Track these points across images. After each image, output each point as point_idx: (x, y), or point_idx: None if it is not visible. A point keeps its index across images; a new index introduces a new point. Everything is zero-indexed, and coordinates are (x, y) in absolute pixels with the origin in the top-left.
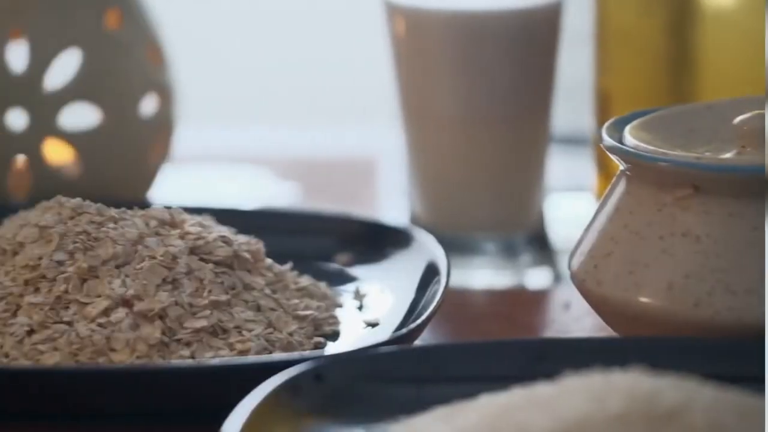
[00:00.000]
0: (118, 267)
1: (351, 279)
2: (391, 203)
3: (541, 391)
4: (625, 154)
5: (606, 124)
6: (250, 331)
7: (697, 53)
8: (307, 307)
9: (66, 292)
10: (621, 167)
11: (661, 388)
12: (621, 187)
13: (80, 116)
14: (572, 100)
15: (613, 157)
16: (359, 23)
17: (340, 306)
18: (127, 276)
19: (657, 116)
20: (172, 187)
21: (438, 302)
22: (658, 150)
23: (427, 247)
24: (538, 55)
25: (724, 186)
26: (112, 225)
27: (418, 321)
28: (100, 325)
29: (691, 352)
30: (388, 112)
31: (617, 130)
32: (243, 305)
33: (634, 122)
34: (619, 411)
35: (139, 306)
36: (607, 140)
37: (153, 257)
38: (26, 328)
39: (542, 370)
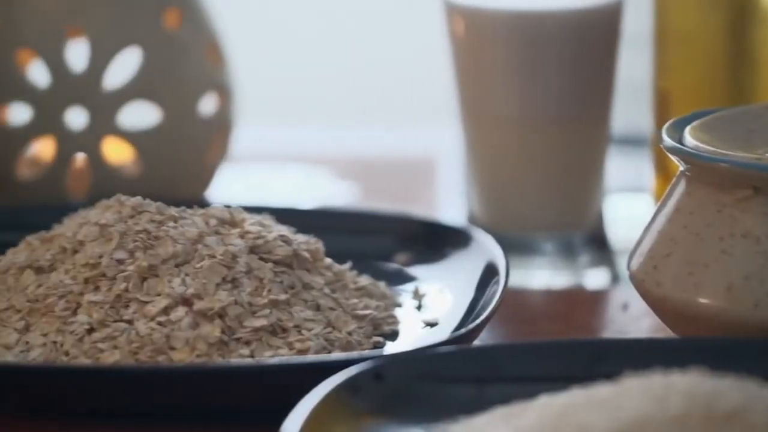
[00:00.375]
0: (177, 266)
1: (410, 279)
2: (450, 203)
3: (601, 391)
4: (685, 155)
5: (666, 125)
6: (309, 330)
7: (757, 53)
8: (366, 307)
9: (126, 290)
10: (681, 168)
11: (721, 390)
12: (680, 188)
13: (140, 115)
14: (631, 101)
15: (673, 157)
16: (418, 23)
17: (399, 306)
18: (186, 275)
19: (717, 117)
20: (230, 187)
21: (497, 302)
22: (718, 151)
23: (486, 247)
24: (597, 55)
25: None
26: (172, 224)
27: (477, 321)
28: (159, 323)
29: (751, 354)
30: (446, 112)
31: (677, 131)
32: (302, 304)
33: (694, 123)
34: (678, 412)
35: (198, 305)
36: (667, 141)
37: (213, 256)
38: (86, 327)
39: (601, 370)
